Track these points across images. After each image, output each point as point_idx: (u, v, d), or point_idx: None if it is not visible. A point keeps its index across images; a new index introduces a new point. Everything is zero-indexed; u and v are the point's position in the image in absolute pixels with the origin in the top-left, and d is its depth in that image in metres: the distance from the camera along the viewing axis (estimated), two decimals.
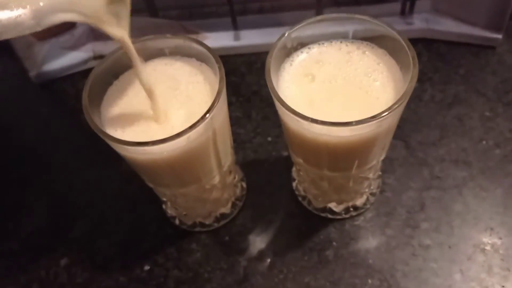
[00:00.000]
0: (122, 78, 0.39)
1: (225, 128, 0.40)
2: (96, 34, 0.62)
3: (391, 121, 0.36)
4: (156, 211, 0.50)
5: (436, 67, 0.57)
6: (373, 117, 0.32)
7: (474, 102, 0.54)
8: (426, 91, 0.55)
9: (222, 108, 0.37)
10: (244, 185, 0.51)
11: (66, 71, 0.63)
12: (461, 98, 0.54)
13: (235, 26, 0.61)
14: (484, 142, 0.51)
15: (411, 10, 0.58)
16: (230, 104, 0.57)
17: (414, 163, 0.51)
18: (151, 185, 0.43)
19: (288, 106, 0.33)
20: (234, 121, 0.56)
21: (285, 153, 0.53)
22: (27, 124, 0.60)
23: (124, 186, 0.53)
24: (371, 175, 0.44)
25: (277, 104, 0.35)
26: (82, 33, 0.62)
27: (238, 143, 0.54)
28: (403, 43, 0.35)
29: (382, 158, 0.42)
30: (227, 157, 0.43)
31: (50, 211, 0.53)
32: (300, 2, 0.57)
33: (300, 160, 0.42)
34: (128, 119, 0.37)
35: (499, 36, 0.57)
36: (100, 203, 0.52)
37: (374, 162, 0.41)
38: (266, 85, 0.33)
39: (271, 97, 0.35)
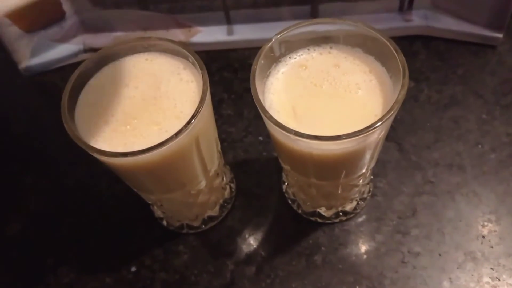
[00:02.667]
0: (95, 80, 0.38)
1: (210, 133, 0.39)
2: (87, 27, 0.61)
3: (380, 132, 0.34)
4: (144, 211, 0.50)
5: (434, 66, 0.56)
6: (360, 131, 0.31)
7: (471, 104, 0.53)
8: (422, 91, 0.54)
9: (206, 112, 0.36)
10: (233, 187, 0.50)
11: (56, 64, 0.62)
12: (458, 100, 0.53)
13: (229, 20, 0.59)
14: (479, 146, 0.50)
15: (410, 6, 0.56)
16: (221, 101, 0.56)
17: (407, 167, 0.49)
18: (134, 189, 0.42)
19: (274, 119, 0.32)
20: (226, 119, 0.55)
21: (276, 154, 0.52)
22: (15, 118, 0.59)
23: (113, 185, 0.52)
24: (360, 183, 0.43)
25: (262, 114, 0.34)
26: (72, 25, 0.60)
27: (228, 142, 0.53)
28: (393, 51, 0.34)
29: (371, 167, 0.41)
30: (213, 161, 0.42)
31: (37, 209, 0.52)
32: None
33: (288, 167, 0.41)
34: (103, 124, 0.36)
35: (500, 35, 0.55)
36: (88, 203, 0.52)
37: (363, 171, 0.40)
38: None
39: None
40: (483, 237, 0.45)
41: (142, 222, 0.50)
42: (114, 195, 0.52)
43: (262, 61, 0.36)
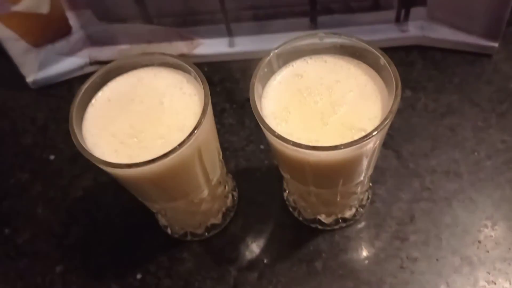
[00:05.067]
0: (101, 95, 0.40)
1: (212, 143, 0.41)
2: (92, 40, 0.62)
3: (376, 140, 0.36)
4: (149, 220, 0.51)
5: (430, 75, 0.57)
6: (356, 141, 0.32)
7: (467, 112, 0.54)
8: (419, 100, 0.55)
9: (208, 124, 0.38)
10: (236, 195, 0.51)
11: (63, 77, 0.63)
12: (455, 108, 0.54)
13: (230, 33, 0.61)
14: (476, 153, 0.51)
15: (406, 18, 0.58)
16: (223, 110, 0.58)
17: (405, 174, 0.51)
18: (140, 199, 0.44)
19: (272, 130, 0.34)
20: (227, 128, 0.56)
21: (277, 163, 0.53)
22: (23, 130, 0.61)
23: (119, 194, 0.53)
24: (358, 190, 0.44)
25: (261, 125, 0.35)
26: (78, 39, 0.62)
27: (230, 151, 0.55)
28: (386, 63, 0.35)
29: (369, 174, 0.42)
30: (215, 170, 0.43)
31: (46, 217, 0.53)
32: (294, 10, 0.57)
33: (287, 176, 0.42)
34: (110, 137, 0.37)
35: (495, 45, 0.56)
36: (94, 211, 0.53)
37: (361, 179, 0.41)
38: None
39: None
40: (479, 242, 0.46)
41: (147, 230, 0.51)
42: (120, 204, 0.53)
43: (261, 73, 0.37)
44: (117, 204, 0.53)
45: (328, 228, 0.48)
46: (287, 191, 0.50)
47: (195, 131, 0.35)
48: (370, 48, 0.36)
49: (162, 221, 0.50)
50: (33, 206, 0.54)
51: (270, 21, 0.58)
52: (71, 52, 0.63)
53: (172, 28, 0.60)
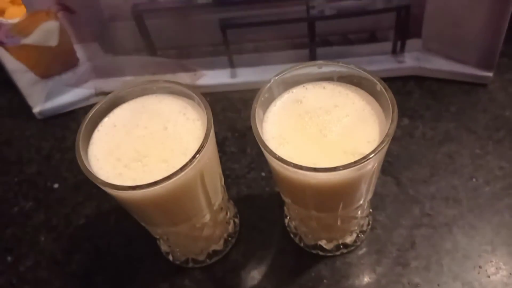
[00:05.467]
0: (107, 121, 0.41)
1: (214, 167, 0.42)
2: (98, 72, 0.64)
3: (374, 163, 0.37)
4: (151, 246, 0.51)
5: (427, 104, 0.58)
6: (355, 163, 0.33)
7: (464, 139, 0.55)
8: (417, 128, 0.56)
9: (210, 148, 0.39)
10: (237, 221, 0.52)
11: (69, 107, 0.65)
12: (452, 136, 0.55)
13: (232, 64, 0.62)
14: (474, 179, 0.52)
15: (402, 49, 0.60)
16: (225, 139, 0.59)
17: (405, 200, 0.51)
18: (142, 223, 0.44)
19: (273, 152, 0.35)
20: (229, 156, 0.57)
21: (278, 189, 0.54)
22: (29, 159, 0.62)
23: (120, 221, 0.54)
24: (358, 215, 0.44)
25: (262, 148, 0.36)
26: (85, 71, 0.64)
27: (232, 178, 0.55)
28: (383, 89, 0.36)
29: (368, 198, 0.43)
30: (217, 195, 0.44)
31: (48, 245, 0.54)
32: (294, 42, 0.59)
33: (288, 200, 0.43)
34: (115, 161, 0.38)
35: (490, 74, 0.58)
36: (96, 238, 0.54)
37: (360, 203, 0.42)
38: None
39: None
40: (480, 267, 0.46)
41: (149, 258, 0.51)
42: (122, 232, 0.53)
43: (262, 99, 0.38)
44: (119, 232, 0.53)
45: (329, 254, 0.48)
46: (288, 217, 0.50)
47: (198, 155, 0.36)
48: (367, 75, 0.38)
49: (164, 247, 0.50)
50: (36, 234, 0.55)
51: (270, 53, 0.60)
52: (77, 84, 0.64)
53: (176, 59, 0.62)
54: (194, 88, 0.40)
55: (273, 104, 0.40)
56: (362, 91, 0.39)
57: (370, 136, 0.37)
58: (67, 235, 0.54)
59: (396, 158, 0.54)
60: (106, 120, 0.41)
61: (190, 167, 0.35)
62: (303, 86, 0.41)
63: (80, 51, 0.62)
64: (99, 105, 0.40)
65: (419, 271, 0.46)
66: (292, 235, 0.50)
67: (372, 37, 0.59)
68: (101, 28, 0.59)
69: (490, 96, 0.58)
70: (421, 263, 0.47)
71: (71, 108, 0.65)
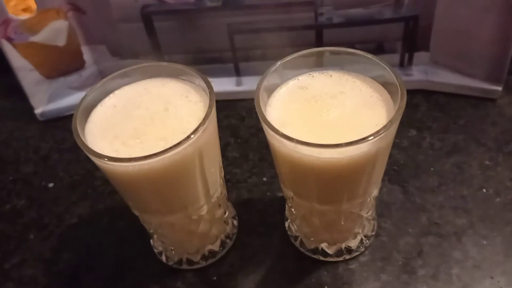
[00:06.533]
0: (107, 101, 0.40)
1: (214, 153, 0.40)
2: (104, 76, 0.64)
3: (380, 146, 0.35)
4: (144, 247, 0.49)
5: (435, 117, 0.57)
6: (359, 140, 0.32)
7: (473, 151, 0.53)
8: (424, 139, 0.55)
9: (210, 129, 0.37)
10: (236, 223, 0.49)
11: (71, 111, 0.63)
12: (461, 147, 0.54)
13: (238, 72, 0.62)
14: (484, 190, 0.50)
15: (410, 62, 0.59)
16: (227, 144, 0.58)
17: (412, 209, 0.49)
18: (137, 212, 0.42)
19: (276, 129, 0.33)
20: (231, 161, 0.56)
21: (280, 194, 0.52)
22: (26, 158, 0.60)
23: (114, 221, 0.52)
24: (363, 213, 0.42)
25: (265, 127, 0.35)
26: (90, 74, 0.64)
27: (232, 182, 0.54)
28: (392, 74, 0.36)
29: (373, 195, 0.41)
30: (216, 186, 0.42)
31: (37, 243, 0.51)
32: (300, 50, 0.59)
33: (290, 193, 0.41)
34: (113, 138, 0.37)
35: (499, 88, 0.57)
36: (87, 237, 0.51)
37: (365, 197, 0.40)
38: None
39: None
40: (492, 277, 0.43)
41: (141, 258, 0.49)
42: (115, 232, 0.51)
43: (267, 82, 0.37)
44: (112, 232, 0.51)
45: (331, 259, 0.46)
46: (289, 220, 0.48)
47: (197, 131, 0.34)
48: (376, 60, 0.37)
49: (157, 245, 0.47)
50: (25, 232, 0.53)
51: (277, 61, 0.60)
52: (82, 87, 0.64)
53: (181, 65, 0.62)
54: (198, 70, 0.39)
55: (278, 89, 0.39)
56: (369, 79, 0.38)
57: (377, 121, 0.35)
58: (57, 234, 0.52)
59: (402, 167, 0.53)
60: (106, 100, 0.40)
61: (189, 143, 0.34)
62: (309, 74, 0.40)
63: (87, 54, 0.62)
64: (99, 84, 0.39)
65: (426, 280, 0.44)
66: (292, 239, 0.48)
67: (380, 49, 0.59)
68: (109, 30, 0.60)
69: (499, 110, 0.57)
70: (428, 271, 0.44)
71: (73, 112, 0.64)
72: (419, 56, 0.59)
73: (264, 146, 0.56)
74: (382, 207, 0.49)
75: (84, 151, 0.35)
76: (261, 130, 0.59)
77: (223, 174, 0.44)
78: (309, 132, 0.35)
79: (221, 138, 0.57)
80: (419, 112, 0.58)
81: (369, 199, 0.41)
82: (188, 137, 0.34)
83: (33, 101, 0.63)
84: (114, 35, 0.60)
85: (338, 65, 0.40)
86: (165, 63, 0.41)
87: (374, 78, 0.38)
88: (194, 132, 0.34)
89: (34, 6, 0.57)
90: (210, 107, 0.36)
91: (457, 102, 0.58)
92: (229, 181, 0.54)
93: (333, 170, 0.35)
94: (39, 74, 0.61)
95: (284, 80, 0.39)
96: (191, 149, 0.35)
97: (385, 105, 0.37)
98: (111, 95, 0.40)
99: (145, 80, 0.41)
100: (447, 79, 0.58)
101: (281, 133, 0.33)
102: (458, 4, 0.53)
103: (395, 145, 0.55)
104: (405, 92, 0.35)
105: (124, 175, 0.36)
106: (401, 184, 0.51)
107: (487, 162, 0.52)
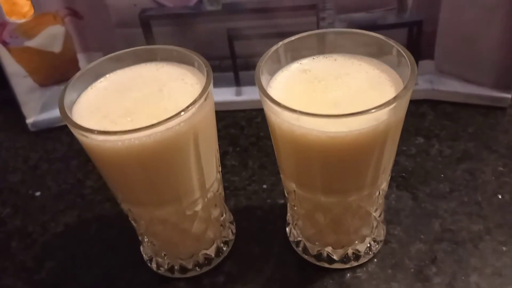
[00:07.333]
0: (98, 84, 0.38)
1: (210, 137, 0.37)
2: None
3: (390, 122, 0.32)
4: (132, 255, 0.45)
5: (443, 125, 0.55)
6: (364, 111, 0.29)
7: (485, 157, 0.50)
8: (433, 146, 0.52)
9: (207, 110, 0.35)
10: (233, 229, 0.46)
11: (63, 122, 0.62)
12: (471, 154, 0.51)
13: (238, 82, 0.60)
14: (499, 196, 0.46)
15: None
16: (226, 153, 0.55)
17: (423, 215, 0.46)
18: (127, 206, 0.39)
19: (276, 101, 0.31)
20: (229, 169, 0.53)
21: (280, 201, 0.49)
22: (14, 167, 0.58)
23: (102, 230, 0.49)
24: (372, 210, 0.39)
25: (266, 102, 0.32)
26: None
27: (231, 190, 0.50)
28: (401, 51, 0.34)
29: (382, 187, 0.38)
30: (212, 179, 0.39)
31: (18, 251, 0.48)
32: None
33: (293, 185, 0.38)
34: (102, 117, 0.34)
35: (508, 96, 0.55)
36: (73, 247, 0.48)
37: (373, 189, 0.36)
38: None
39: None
40: None
41: (129, 267, 0.45)
42: (102, 241, 0.48)
43: (268, 64, 0.35)
44: (99, 241, 0.48)
45: (337, 267, 0.42)
46: (290, 224, 0.44)
47: (195, 104, 0.32)
48: (383, 39, 0.35)
49: (148, 252, 0.44)
50: (7, 240, 0.49)
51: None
52: None
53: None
54: (195, 52, 0.37)
55: (279, 71, 0.37)
56: (376, 61, 0.36)
57: (386, 98, 0.33)
58: (40, 243, 0.48)
59: (411, 173, 0.50)
60: (97, 82, 0.38)
61: (183, 119, 0.32)
62: (312, 58, 0.38)
63: (82, 61, 0.61)
64: (91, 65, 0.37)
65: None
66: (294, 245, 0.44)
67: None
68: (107, 36, 0.58)
69: (510, 119, 0.54)
70: (444, 279, 0.40)
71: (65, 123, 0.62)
72: (424, 64, 0.57)
73: (264, 154, 0.54)
74: (391, 214, 0.46)
75: (69, 126, 0.33)
76: (261, 139, 0.57)
77: (220, 169, 0.41)
78: (313, 110, 0.33)
79: (219, 147, 0.54)
80: (426, 121, 0.55)
81: (377, 193, 0.38)
82: (183, 110, 0.31)
83: (25, 109, 0.61)
84: (111, 41, 0.59)
85: (342, 50, 0.38)
86: (160, 46, 0.39)
87: (382, 60, 0.36)
88: (190, 106, 0.32)
89: (31, 10, 0.56)
90: (207, 84, 0.34)
91: (465, 111, 0.56)
92: (227, 188, 0.50)
93: (339, 148, 0.32)
94: (33, 81, 0.59)
95: (286, 63, 0.37)
96: (185, 127, 0.32)
97: (394, 84, 0.34)
98: (102, 78, 0.38)
99: (139, 65, 0.39)
100: (454, 87, 0.56)
101: (283, 105, 0.31)
102: (463, 8, 0.51)
103: (402, 152, 0.52)
104: (416, 67, 0.33)
105: (113, 155, 0.33)
106: (410, 190, 0.48)
107: (500, 169, 0.49)
